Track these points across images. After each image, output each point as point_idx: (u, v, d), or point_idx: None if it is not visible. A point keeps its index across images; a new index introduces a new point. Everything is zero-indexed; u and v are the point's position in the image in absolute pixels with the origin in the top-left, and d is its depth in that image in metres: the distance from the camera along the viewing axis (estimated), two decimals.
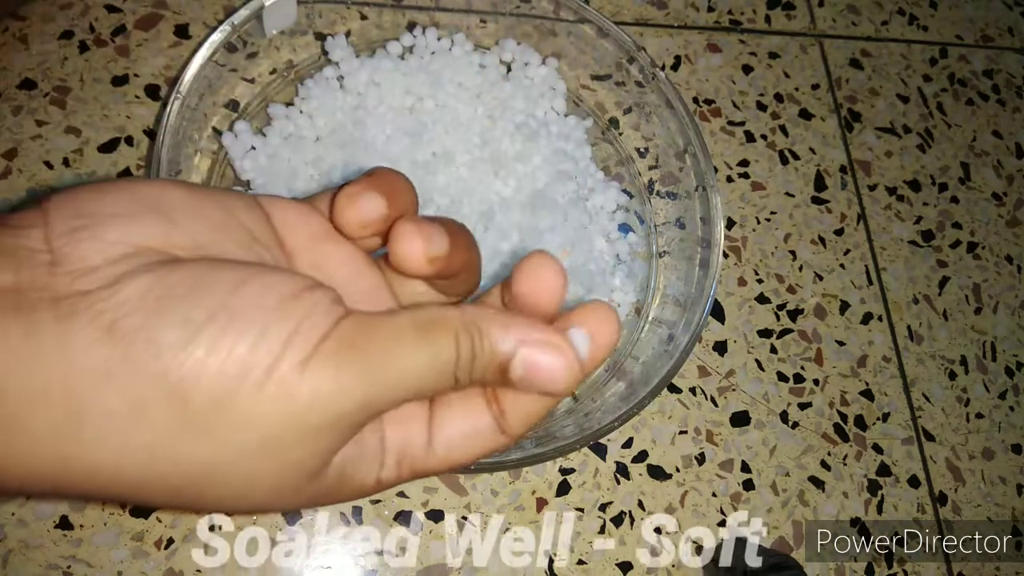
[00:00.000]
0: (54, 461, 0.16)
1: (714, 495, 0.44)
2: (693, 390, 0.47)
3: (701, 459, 0.45)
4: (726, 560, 0.41)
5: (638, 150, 0.48)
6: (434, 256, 0.20)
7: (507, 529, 0.41)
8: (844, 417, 0.48)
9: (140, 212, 0.18)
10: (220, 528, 0.39)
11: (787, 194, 0.53)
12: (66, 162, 0.44)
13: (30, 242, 0.17)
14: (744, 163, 0.53)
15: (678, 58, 0.55)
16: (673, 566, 0.43)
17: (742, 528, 0.44)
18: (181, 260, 0.18)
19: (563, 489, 0.43)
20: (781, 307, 0.50)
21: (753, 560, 0.41)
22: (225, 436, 0.17)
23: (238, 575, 0.38)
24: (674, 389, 0.46)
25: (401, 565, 0.40)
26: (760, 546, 0.44)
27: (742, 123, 0.54)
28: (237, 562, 0.38)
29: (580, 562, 0.42)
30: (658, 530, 0.43)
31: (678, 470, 0.45)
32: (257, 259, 0.20)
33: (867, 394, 0.49)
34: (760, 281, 0.50)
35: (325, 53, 0.45)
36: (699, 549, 0.43)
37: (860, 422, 0.48)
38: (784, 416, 0.47)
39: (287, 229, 0.21)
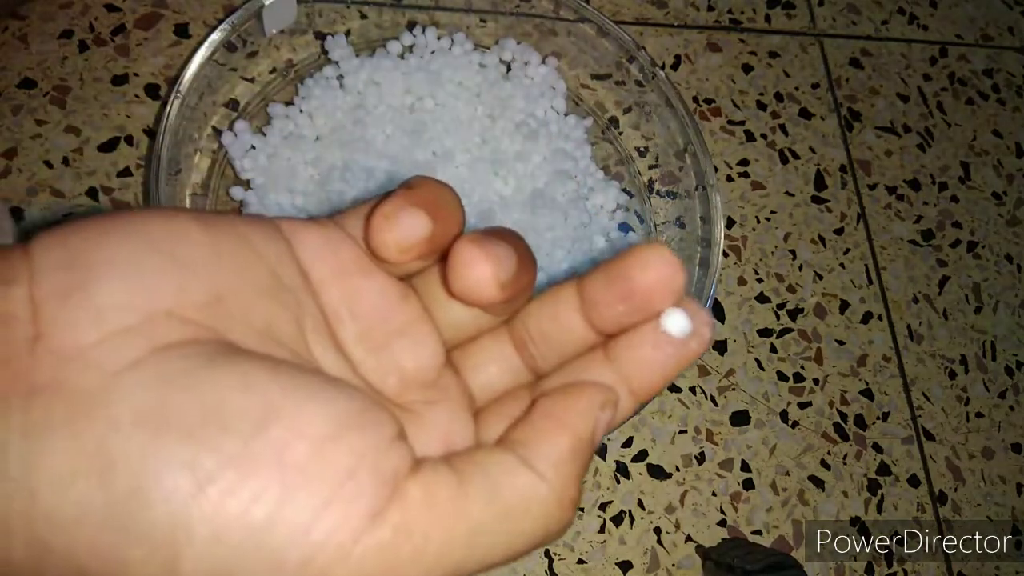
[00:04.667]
0: None
1: (714, 494, 0.45)
2: (693, 389, 0.47)
3: (701, 458, 0.45)
4: (726, 560, 0.41)
5: (638, 149, 0.48)
6: (505, 280, 0.16)
7: None
8: (844, 416, 0.48)
9: (146, 257, 0.15)
10: None
11: (787, 193, 0.53)
12: (66, 161, 0.44)
13: (11, 305, 0.13)
14: (744, 162, 0.53)
15: (678, 57, 0.55)
16: (674, 565, 0.43)
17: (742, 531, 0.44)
18: (196, 350, 0.14)
19: None
20: (781, 306, 0.50)
21: (752, 560, 0.41)
22: None
23: None
24: (674, 388, 0.46)
25: None
26: (760, 546, 0.44)
27: (742, 122, 0.54)
28: None
29: (580, 561, 0.42)
30: (657, 531, 0.43)
31: (678, 469, 0.45)
32: (280, 308, 0.17)
33: (867, 393, 0.49)
34: (760, 280, 0.50)
35: (325, 52, 0.45)
36: (699, 548, 0.43)
37: (860, 421, 0.48)
38: (784, 415, 0.47)
39: (311, 259, 0.18)
